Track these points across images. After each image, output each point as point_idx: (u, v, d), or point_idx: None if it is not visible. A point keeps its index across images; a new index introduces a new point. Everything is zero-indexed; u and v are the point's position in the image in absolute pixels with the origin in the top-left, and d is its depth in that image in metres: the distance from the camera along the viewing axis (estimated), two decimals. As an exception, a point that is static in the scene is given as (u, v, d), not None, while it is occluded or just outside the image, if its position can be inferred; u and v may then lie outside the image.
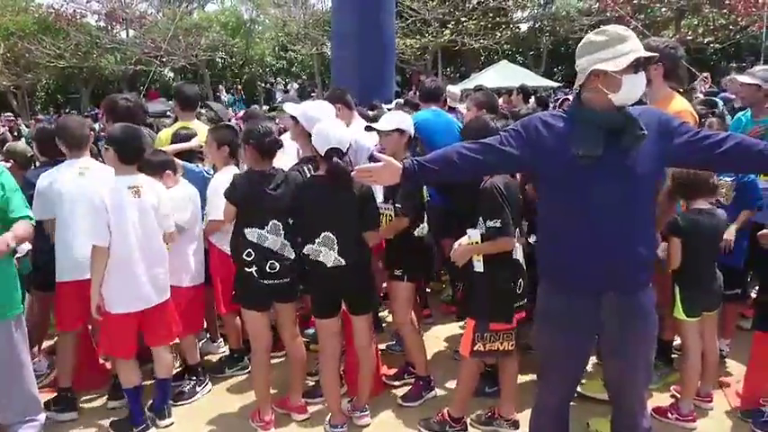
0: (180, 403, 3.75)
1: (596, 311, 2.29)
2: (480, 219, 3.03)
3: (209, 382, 3.95)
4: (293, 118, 3.71)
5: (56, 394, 3.71)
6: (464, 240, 3.09)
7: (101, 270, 3.22)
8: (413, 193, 3.41)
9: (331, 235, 3.16)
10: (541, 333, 2.50)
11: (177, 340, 3.84)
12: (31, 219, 3.23)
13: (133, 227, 3.26)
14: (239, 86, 28.10)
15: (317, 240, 3.17)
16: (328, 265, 3.17)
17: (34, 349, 4.03)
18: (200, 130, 4.56)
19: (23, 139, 11.86)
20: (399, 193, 3.36)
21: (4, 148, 4.84)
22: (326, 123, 3.31)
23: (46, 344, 4.46)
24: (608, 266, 2.24)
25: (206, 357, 4.39)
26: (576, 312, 2.32)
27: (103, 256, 3.20)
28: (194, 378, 3.86)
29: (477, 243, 3.03)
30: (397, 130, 3.52)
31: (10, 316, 3.15)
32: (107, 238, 3.19)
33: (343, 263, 3.17)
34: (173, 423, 3.57)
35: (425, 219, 3.58)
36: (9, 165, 4.17)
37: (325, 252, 3.16)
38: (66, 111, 27.37)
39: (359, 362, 3.43)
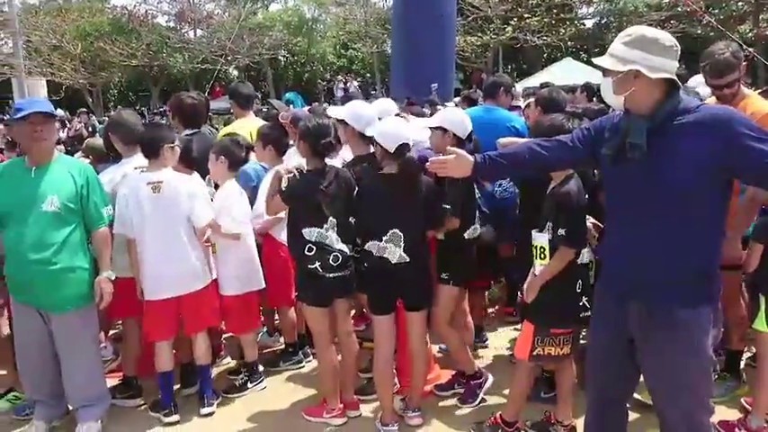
0: (230, 396, 3.83)
1: (624, 317, 2.25)
2: (549, 223, 2.95)
3: (264, 379, 3.99)
4: (341, 121, 3.69)
5: (122, 382, 3.87)
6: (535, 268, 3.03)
7: (134, 257, 3.51)
8: (462, 194, 3.35)
9: (399, 232, 3.17)
10: (589, 329, 2.54)
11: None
12: (103, 223, 3.37)
13: (152, 221, 3.42)
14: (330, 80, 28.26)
15: (384, 237, 3.18)
16: (393, 262, 3.18)
17: (101, 335, 4.20)
18: (257, 127, 4.64)
19: (97, 135, 12.45)
20: (449, 193, 3.31)
21: (84, 145, 5.06)
22: (392, 120, 3.31)
23: (112, 331, 4.66)
24: (637, 275, 2.18)
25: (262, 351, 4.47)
26: (608, 315, 2.33)
27: (133, 244, 3.50)
28: (248, 374, 3.92)
29: (542, 247, 2.97)
30: (440, 128, 3.48)
31: (83, 306, 3.30)
32: (131, 229, 3.46)
33: (407, 260, 3.18)
34: (214, 412, 3.66)
35: (476, 220, 3.52)
36: (89, 160, 4.35)
37: (392, 248, 3.18)
38: (137, 108, 28.56)
39: (412, 360, 3.42)
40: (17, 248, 3.18)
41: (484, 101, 4.92)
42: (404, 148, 3.16)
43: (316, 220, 3.30)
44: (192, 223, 3.54)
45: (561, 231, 2.89)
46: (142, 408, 3.76)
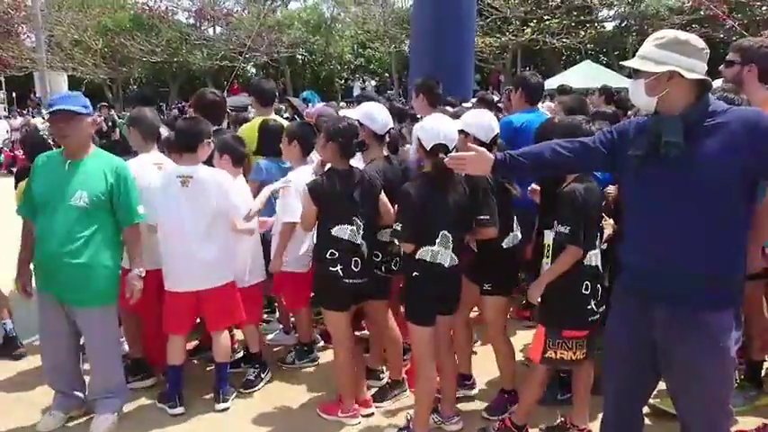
0: (248, 391, 3.84)
1: (648, 320, 2.23)
2: (555, 221, 2.95)
3: (270, 371, 4.00)
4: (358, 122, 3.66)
5: (132, 363, 3.91)
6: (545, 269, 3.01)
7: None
8: (497, 202, 3.23)
9: (447, 233, 3.08)
10: (606, 331, 2.50)
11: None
12: (136, 220, 3.36)
13: (178, 213, 3.46)
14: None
15: (436, 241, 3.08)
16: (446, 266, 3.08)
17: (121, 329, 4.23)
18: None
19: (117, 129, 12.59)
20: (485, 202, 3.17)
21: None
22: (435, 118, 3.21)
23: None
24: (662, 277, 2.18)
25: (277, 348, 4.50)
26: (629, 317, 2.31)
27: (151, 230, 3.53)
28: (257, 366, 3.94)
29: (548, 245, 2.98)
30: (461, 131, 3.37)
31: (106, 302, 3.33)
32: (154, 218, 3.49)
33: (457, 262, 3.11)
34: (229, 407, 3.66)
35: (515, 227, 3.44)
36: None
37: (443, 252, 3.07)
38: (158, 103, 28.77)
39: (441, 367, 3.31)
40: (46, 239, 3.23)
41: (532, 105, 4.64)
42: (439, 147, 3.03)
43: (345, 219, 3.27)
44: (231, 216, 3.57)
45: (564, 229, 2.88)
46: (155, 395, 3.77)
